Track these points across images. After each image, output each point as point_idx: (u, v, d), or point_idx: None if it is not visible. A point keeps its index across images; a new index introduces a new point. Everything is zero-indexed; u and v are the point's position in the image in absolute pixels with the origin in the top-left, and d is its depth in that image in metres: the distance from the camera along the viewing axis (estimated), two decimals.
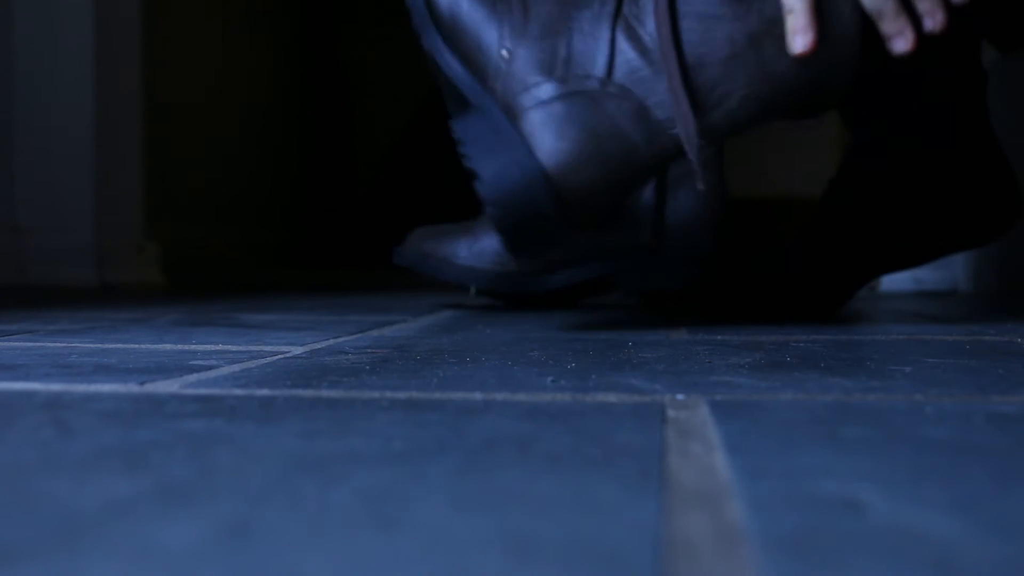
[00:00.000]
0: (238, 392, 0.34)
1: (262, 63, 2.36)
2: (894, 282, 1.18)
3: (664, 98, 0.56)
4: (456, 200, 2.07)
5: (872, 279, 0.73)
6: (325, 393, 0.34)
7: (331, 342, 0.52)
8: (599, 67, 0.57)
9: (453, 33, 0.60)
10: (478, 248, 0.81)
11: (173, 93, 1.85)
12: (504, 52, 0.57)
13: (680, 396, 0.33)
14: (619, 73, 0.56)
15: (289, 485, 0.21)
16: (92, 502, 0.20)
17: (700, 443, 0.26)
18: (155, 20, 1.67)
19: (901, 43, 0.55)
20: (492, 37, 0.59)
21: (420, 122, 2.50)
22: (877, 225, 0.69)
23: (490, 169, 0.57)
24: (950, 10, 0.55)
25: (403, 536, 0.17)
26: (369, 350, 0.48)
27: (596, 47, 0.57)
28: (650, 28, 0.56)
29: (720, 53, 0.55)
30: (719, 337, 0.54)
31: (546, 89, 0.57)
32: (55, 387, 0.35)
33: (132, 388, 0.35)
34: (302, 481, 0.21)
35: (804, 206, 0.81)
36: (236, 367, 0.41)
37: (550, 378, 0.38)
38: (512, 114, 0.57)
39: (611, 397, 0.33)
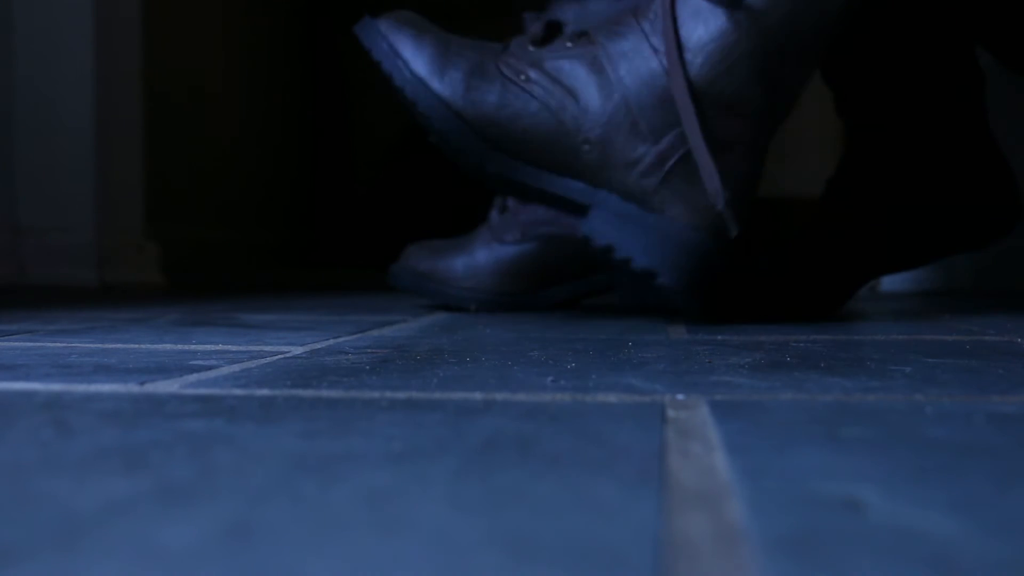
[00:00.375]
0: (238, 392, 0.34)
1: (262, 63, 2.36)
2: (894, 282, 1.18)
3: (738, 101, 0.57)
4: (456, 200, 2.07)
5: (872, 279, 0.73)
6: (325, 393, 0.34)
7: (331, 342, 0.52)
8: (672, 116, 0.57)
9: (517, 145, 0.59)
10: (474, 264, 0.80)
11: (173, 93, 1.85)
12: (586, 147, 0.57)
13: (680, 396, 0.33)
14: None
15: (289, 485, 0.21)
16: (92, 502, 0.20)
17: (700, 443, 0.26)
18: (155, 20, 1.67)
19: None
20: (560, 132, 0.58)
21: None
22: (876, 226, 0.69)
23: (666, 263, 0.58)
24: None
25: (403, 536, 0.17)
26: (369, 350, 0.48)
27: (656, 96, 0.57)
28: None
29: (784, 9, 0.56)
30: (719, 337, 0.54)
31: (650, 157, 0.57)
32: (55, 387, 0.35)
33: (132, 388, 0.35)
34: (302, 481, 0.21)
35: (804, 206, 0.81)
36: (236, 367, 0.41)
37: (550, 378, 0.38)
38: (637, 198, 0.57)
39: (611, 397, 0.33)
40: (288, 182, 2.51)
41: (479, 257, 0.80)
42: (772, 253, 0.73)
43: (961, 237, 0.70)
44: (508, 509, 0.19)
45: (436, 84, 0.59)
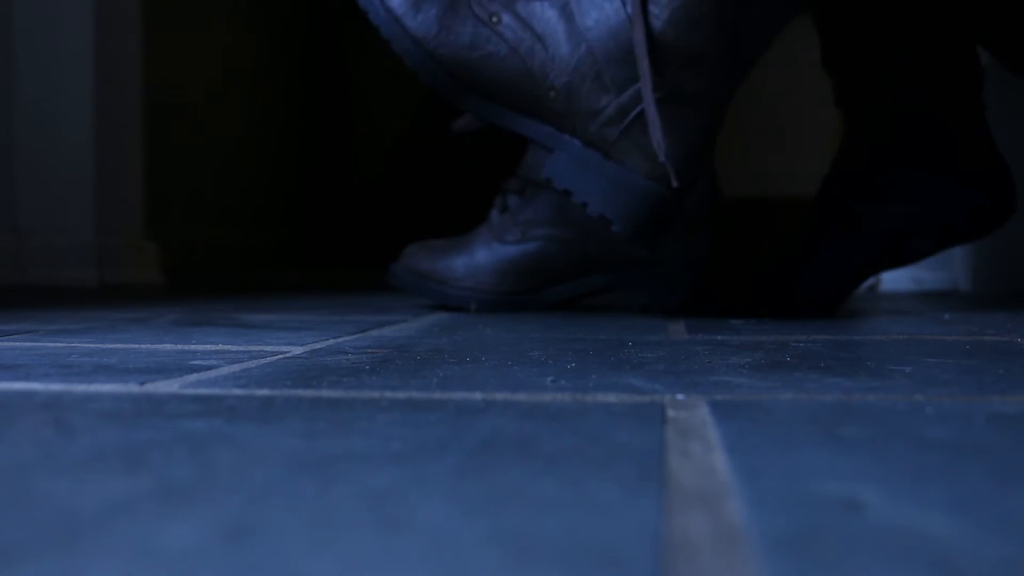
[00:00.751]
0: (238, 392, 0.34)
1: (262, 63, 2.36)
2: (894, 282, 1.18)
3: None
4: (456, 200, 2.07)
5: (870, 275, 0.73)
6: (325, 393, 0.34)
7: (331, 342, 0.52)
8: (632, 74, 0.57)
9: (487, 86, 0.60)
10: (474, 264, 0.80)
11: (173, 93, 1.85)
12: (552, 94, 0.57)
13: (680, 396, 0.33)
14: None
15: (289, 485, 0.21)
16: (92, 502, 0.20)
17: (700, 443, 0.26)
18: (155, 20, 1.67)
19: None
20: (528, 78, 0.59)
21: (420, 121, 2.50)
22: (872, 222, 0.69)
23: (620, 212, 0.59)
24: None
25: (403, 536, 0.17)
26: (369, 350, 0.48)
27: (622, 48, 0.57)
28: None
29: None
30: (719, 337, 0.54)
31: (612, 109, 0.57)
32: (55, 387, 0.35)
33: (132, 388, 0.35)
34: (302, 481, 0.21)
35: (804, 206, 0.81)
36: (236, 367, 0.41)
37: (550, 378, 0.38)
38: (599, 147, 0.58)
39: (611, 397, 0.33)
40: (288, 182, 2.51)
41: (479, 257, 0.80)
42: (772, 253, 0.74)
43: (956, 230, 0.70)
44: (508, 509, 0.19)
45: (410, 22, 0.60)
